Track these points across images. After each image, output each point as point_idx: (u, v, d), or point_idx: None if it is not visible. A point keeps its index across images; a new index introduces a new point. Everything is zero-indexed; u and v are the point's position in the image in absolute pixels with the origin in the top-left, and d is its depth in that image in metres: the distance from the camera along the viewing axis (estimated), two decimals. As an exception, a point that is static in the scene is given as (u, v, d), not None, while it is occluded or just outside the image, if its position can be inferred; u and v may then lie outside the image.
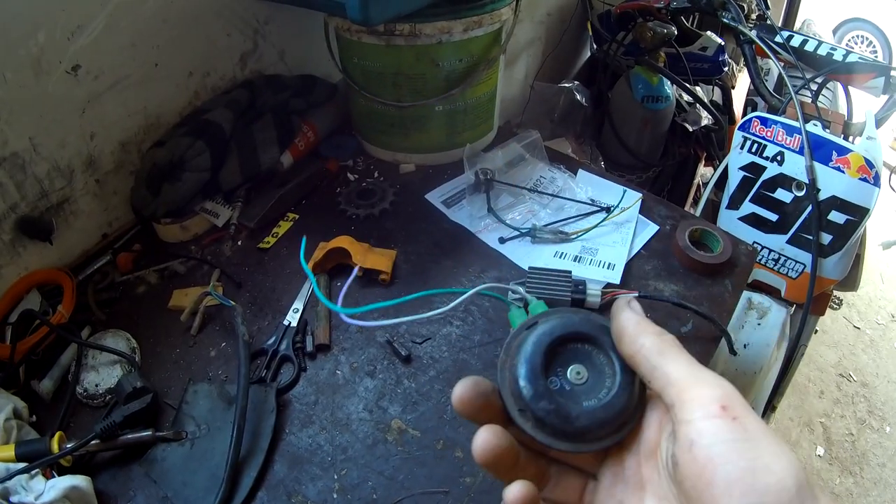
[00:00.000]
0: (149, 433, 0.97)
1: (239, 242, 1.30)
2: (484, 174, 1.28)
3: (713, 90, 2.15)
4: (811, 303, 1.41)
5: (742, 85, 2.32)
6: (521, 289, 1.08)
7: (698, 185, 2.09)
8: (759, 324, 1.35)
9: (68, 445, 0.94)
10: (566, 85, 1.84)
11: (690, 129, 1.97)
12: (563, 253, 1.21)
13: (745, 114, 2.05)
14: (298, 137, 1.39)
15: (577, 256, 1.20)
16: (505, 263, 1.21)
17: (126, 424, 0.97)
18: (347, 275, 1.17)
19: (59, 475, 0.90)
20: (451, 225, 1.30)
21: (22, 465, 0.90)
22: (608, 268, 1.17)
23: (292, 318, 1.13)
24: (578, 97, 1.85)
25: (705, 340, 1.08)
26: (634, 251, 1.21)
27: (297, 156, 1.40)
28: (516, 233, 1.23)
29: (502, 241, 1.23)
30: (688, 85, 1.91)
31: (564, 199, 1.28)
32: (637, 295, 1.09)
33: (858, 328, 3.07)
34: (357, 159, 1.49)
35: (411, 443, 0.96)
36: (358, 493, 0.91)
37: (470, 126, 1.38)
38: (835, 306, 2.48)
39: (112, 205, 1.32)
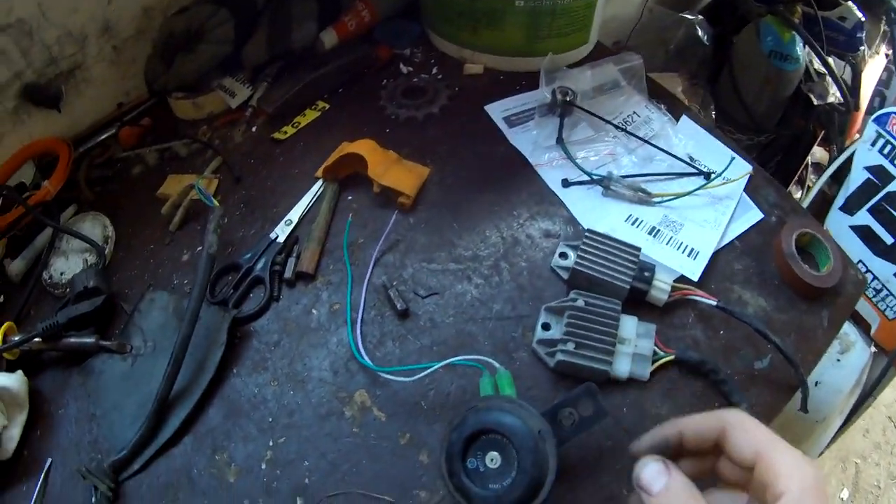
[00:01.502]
0: (92, 340, 0.77)
1: (254, 129, 0.98)
2: (563, 94, 0.87)
3: (844, 67, 1.66)
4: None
5: (870, 72, 1.80)
6: (572, 253, 0.72)
7: (806, 165, 1.64)
8: (838, 360, 0.94)
9: (15, 338, 0.77)
10: (689, 16, 1.39)
11: (815, 103, 1.50)
12: (638, 219, 0.80)
13: (871, 105, 1.55)
14: (349, 15, 1.01)
15: (654, 228, 0.79)
16: (562, 214, 0.82)
17: (72, 326, 0.78)
18: (362, 187, 0.84)
19: (6, 368, 0.76)
20: (507, 149, 0.89)
21: None
22: (689, 254, 0.76)
23: (281, 232, 0.81)
24: (700, 33, 1.41)
25: (779, 388, 0.68)
26: (727, 240, 0.79)
27: (344, 36, 1.03)
28: (586, 177, 0.83)
29: (566, 184, 0.83)
30: (822, 53, 1.44)
31: (657, 148, 0.86)
32: (715, 304, 0.69)
33: (922, 369, 2.46)
34: (416, 49, 1.08)
35: (371, 426, 0.66)
36: (289, 471, 0.64)
37: (557, 32, 0.95)
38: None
39: (130, 73, 1.07)
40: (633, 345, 0.67)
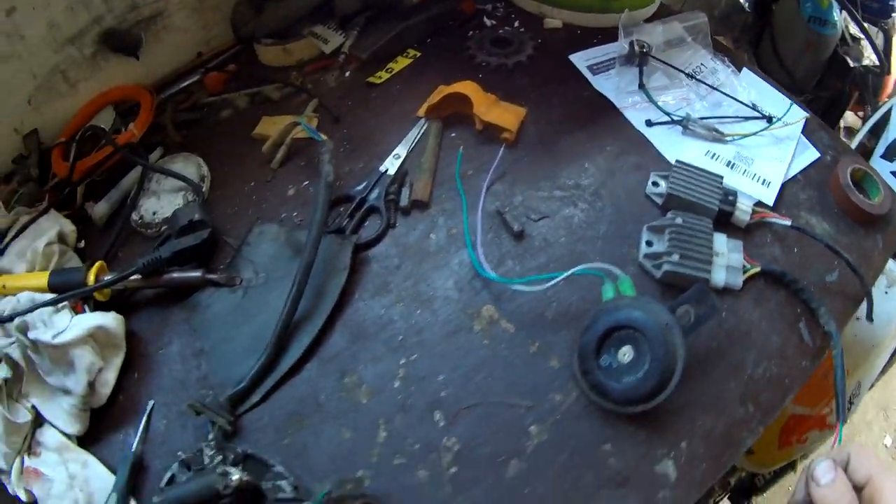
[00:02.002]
0: (198, 274, 0.77)
1: (346, 74, 1.01)
2: (640, 46, 0.93)
3: (877, 33, 1.79)
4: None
5: None
6: (662, 182, 0.78)
7: (839, 128, 1.76)
8: (886, 292, 1.01)
9: (107, 278, 0.75)
10: None
11: (851, 65, 1.59)
12: (715, 154, 0.88)
13: None
14: (433, -31, 1.06)
15: (730, 162, 0.87)
16: (649, 151, 0.88)
17: (175, 261, 0.77)
18: (463, 126, 0.88)
19: (94, 310, 0.74)
20: (593, 94, 0.96)
21: (50, 296, 0.74)
22: (763, 183, 0.84)
23: (391, 165, 0.84)
24: (742, 0, 1.50)
25: (847, 298, 0.77)
26: (791, 174, 0.88)
27: None
28: (667, 118, 0.89)
29: (649, 123, 0.90)
30: (859, 18, 1.54)
31: (724, 94, 0.94)
32: (790, 224, 0.77)
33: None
34: (497, 4, 1.13)
35: (500, 338, 0.70)
36: (424, 386, 0.67)
37: None
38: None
39: (212, 22, 1.08)
40: (726, 258, 0.73)
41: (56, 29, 0.92)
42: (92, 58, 0.97)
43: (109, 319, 0.73)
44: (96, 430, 0.68)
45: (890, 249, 0.83)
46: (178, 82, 1.02)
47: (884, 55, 1.60)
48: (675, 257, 0.70)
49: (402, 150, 0.86)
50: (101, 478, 0.68)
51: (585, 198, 0.81)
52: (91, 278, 0.75)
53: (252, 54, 1.05)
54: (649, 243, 0.74)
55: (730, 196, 0.78)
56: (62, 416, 0.71)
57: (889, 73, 1.56)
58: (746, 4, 1.50)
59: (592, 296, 0.70)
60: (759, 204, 0.81)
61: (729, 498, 1.55)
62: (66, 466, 0.69)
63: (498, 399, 0.65)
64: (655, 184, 0.81)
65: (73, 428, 0.70)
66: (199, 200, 0.83)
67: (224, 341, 0.73)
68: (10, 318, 0.72)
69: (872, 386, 1.14)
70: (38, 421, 0.71)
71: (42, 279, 0.76)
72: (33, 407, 0.71)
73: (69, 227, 0.86)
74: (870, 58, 1.58)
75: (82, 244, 0.86)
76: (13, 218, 0.87)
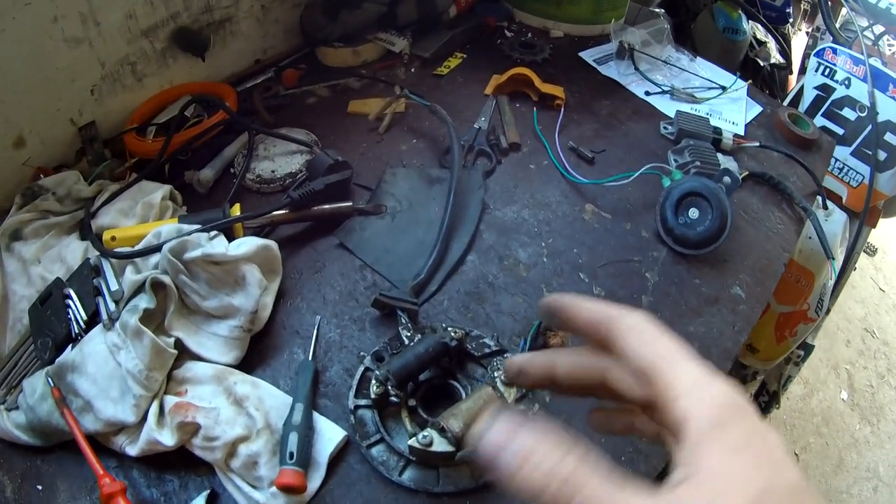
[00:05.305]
0: (348, 204, 1.06)
1: (412, 69, 1.47)
2: (628, 45, 1.50)
3: (778, 38, 2.46)
4: (866, 214, 1.64)
5: (796, 43, 2.62)
6: (670, 126, 1.34)
7: None
8: (826, 219, 1.54)
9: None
10: (657, 10, 2.07)
11: (761, 64, 2.29)
12: (696, 109, 1.44)
13: (802, 66, 2.33)
14: (462, -5, 1.58)
15: (708, 112, 1.42)
16: (653, 111, 1.43)
17: (321, 196, 1.04)
18: (521, 99, 1.38)
19: None
20: (603, 78, 1.52)
21: (195, 226, 0.92)
22: (733, 124, 1.41)
23: (482, 124, 1.28)
24: (665, 24, 1.99)
25: (805, 193, 1.29)
26: (747, 120, 1.44)
27: (459, 9, 1.58)
28: (659, 89, 1.46)
29: (648, 93, 1.45)
30: (766, 23, 2.24)
31: (691, 73, 1.53)
32: (759, 144, 1.33)
33: (883, 291, 3.33)
34: (510, 21, 1.68)
35: (604, 222, 1.15)
36: (565, 257, 1.08)
37: (611, 7, 1.63)
38: (870, 252, 2.76)
39: (271, 32, 1.42)
40: (726, 165, 1.23)
41: (133, 20, 1.10)
42: (162, 54, 1.19)
43: (270, 243, 0.91)
44: (251, 359, 0.88)
45: (825, 164, 1.42)
46: (253, 78, 1.34)
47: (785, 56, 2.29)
48: (698, 163, 1.20)
49: (484, 116, 1.31)
50: (273, 396, 0.81)
51: (622, 138, 1.34)
52: (236, 212, 0.97)
53: (311, 58, 1.45)
54: (675, 160, 1.25)
55: (716, 129, 1.32)
56: (216, 345, 0.83)
57: (792, 71, 2.28)
58: (669, 27, 2.00)
59: (652, 189, 1.18)
60: (735, 135, 1.35)
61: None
62: (232, 391, 0.79)
63: (619, 258, 1.08)
64: (665, 128, 1.35)
65: (229, 356, 0.83)
66: (325, 152, 1.10)
67: (386, 253, 1.03)
68: (158, 248, 0.86)
69: (829, 311, 1.68)
70: (176, 364, 0.82)
71: (172, 222, 0.94)
72: (177, 341, 0.82)
73: (173, 190, 1.07)
74: (775, 57, 2.27)
75: (184, 209, 1.08)
76: (96, 188, 1.05)
